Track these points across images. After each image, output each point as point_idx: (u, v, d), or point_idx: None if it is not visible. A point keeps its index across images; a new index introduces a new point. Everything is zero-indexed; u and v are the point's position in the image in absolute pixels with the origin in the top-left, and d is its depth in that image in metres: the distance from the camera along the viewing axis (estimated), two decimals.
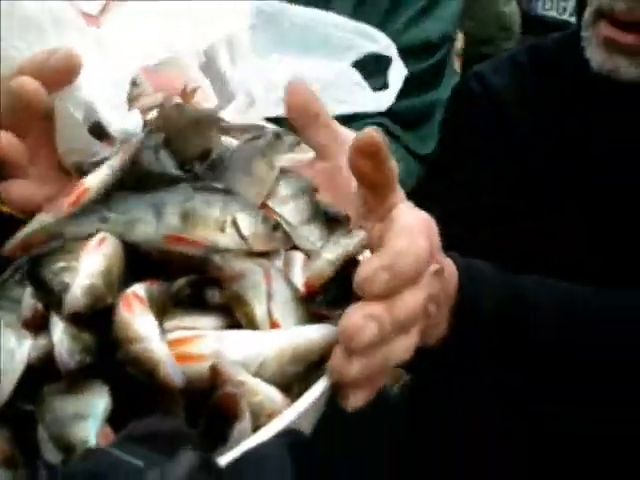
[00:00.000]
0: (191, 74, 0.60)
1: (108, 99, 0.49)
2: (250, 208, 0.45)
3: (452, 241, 0.55)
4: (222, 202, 0.44)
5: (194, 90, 0.58)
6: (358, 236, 0.45)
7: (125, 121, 0.49)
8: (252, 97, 0.62)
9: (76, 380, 0.37)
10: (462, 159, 0.88)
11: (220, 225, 0.44)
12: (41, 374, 0.38)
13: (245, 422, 0.36)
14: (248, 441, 0.36)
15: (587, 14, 0.78)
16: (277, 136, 0.48)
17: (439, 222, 0.49)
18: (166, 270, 0.43)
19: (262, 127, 0.53)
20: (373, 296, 0.40)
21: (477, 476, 0.81)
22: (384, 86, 0.69)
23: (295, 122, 0.53)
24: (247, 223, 0.44)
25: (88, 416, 0.35)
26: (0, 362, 0.36)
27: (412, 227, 0.44)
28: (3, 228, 0.45)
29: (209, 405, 0.37)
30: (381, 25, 0.86)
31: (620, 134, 0.78)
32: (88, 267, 0.39)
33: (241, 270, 0.43)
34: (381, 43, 0.68)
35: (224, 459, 0.34)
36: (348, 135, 0.52)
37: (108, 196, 0.45)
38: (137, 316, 0.37)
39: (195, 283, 0.43)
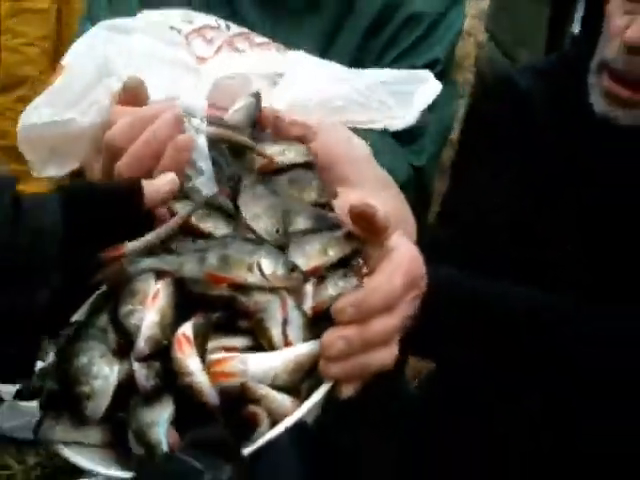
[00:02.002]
0: (254, 87, 0.75)
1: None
2: (274, 254, 0.59)
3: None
4: (251, 249, 0.59)
5: None
6: (352, 282, 0.59)
7: None
8: None
9: (150, 397, 0.54)
10: (481, 149, 1.01)
11: (248, 266, 0.59)
12: (127, 389, 0.55)
13: (264, 427, 0.53)
14: (265, 436, 0.53)
15: (593, 63, 0.89)
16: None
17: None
18: (207, 303, 0.59)
19: None
20: (345, 322, 0.55)
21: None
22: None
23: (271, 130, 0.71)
24: (269, 265, 0.58)
25: (158, 423, 0.53)
26: (97, 386, 0.54)
27: (394, 266, 0.58)
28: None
29: (240, 415, 0.53)
30: (380, 56, 0.99)
31: (615, 164, 0.91)
32: (147, 321, 0.55)
33: (262, 304, 0.58)
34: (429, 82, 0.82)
35: (247, 450, 0.51)
36: (318, 124, 0.70)
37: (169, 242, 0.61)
38: (187, 357, 0.54)
39: (230, 315, 0.59)
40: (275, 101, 0.75)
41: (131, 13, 0.86)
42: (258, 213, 0.62)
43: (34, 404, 0.57)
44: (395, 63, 0.99)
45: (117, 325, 0.57)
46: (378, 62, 1.00)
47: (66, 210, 0.55)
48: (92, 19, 0.94)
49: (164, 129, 0.64)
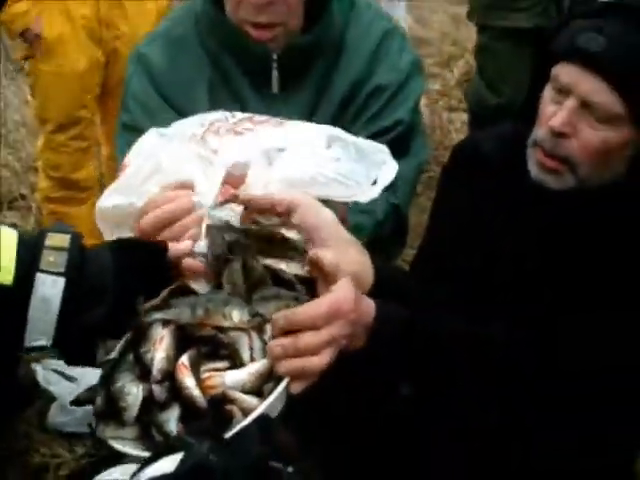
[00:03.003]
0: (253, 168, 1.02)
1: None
2: (241, 306, 0.88)
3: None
4: (226, 303, 0.88)
5: None
6: None
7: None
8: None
9: (164, 405, 0.84)
10: (450, 197, 1.29)
11: (224, 315, 0.88)
12: (148, 400, 0.85)
13: (238, 418, 0.82)
14: (239, 425, 0.82)
15: (530, 140, 1.13)
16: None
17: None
18: (198, 340, 0.89)
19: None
20: (279, 333, 0.85)
21: None
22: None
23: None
24: (237, 314, 0.88)
25: (170, 420, 0.83)
26: (130, 401, 0.83)
27: (324, 299, 0.87)
28: None
29: (221, 413, 0.83)
30: (353, 122, 1.29)
31: (546, 220, 1.15)
32: (158, 357, 0.85)
33: (235, 338, 0.88)
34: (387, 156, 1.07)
35: (228, 435, 0.80)
36: (294, 200, 0.94)
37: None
38: (185, 378, 0.83)
39: (214, 347, 0.88)
40: (272, 179, 1.00)
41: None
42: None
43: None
44: (366, 125, 1.29)
45: (139, 361, 0.87)
46: (351, 127, 1.28)
47: (115, 259, 0.87)
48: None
49: (178, 212, 0.94)
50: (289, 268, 0.92)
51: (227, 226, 0.94)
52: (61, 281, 0.82)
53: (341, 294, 0.89)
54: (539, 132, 1.12)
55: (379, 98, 1.30)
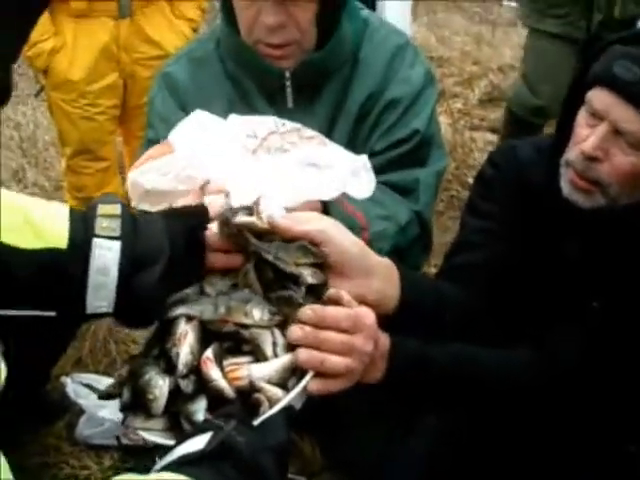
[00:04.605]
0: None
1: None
2: (262, 305, 0.92)
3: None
4: (246, 301, 0.92)
5: None
6: None
7: None
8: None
9: (191, 397, 0.86)
10: (488, 203, 1.33)
11: (245, 313, 0.92)
12: (175, 393, 0.87)
13: (264, 407, 0.85)
14: (266, 414, 0.84)
15: (563, 159, 1.17)
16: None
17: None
18: (221, 336, 0.92)
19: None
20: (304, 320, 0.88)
21: None
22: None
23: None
24: (257, 313, 0.91)
25: (198, 410, 0.85)
26: (157, 393, 0.85)
27: (350, 310, 0.91)
28: None
29: (250, 401, 0.85)
30: (369, 136, 1.35)
31: (579, 238, 1.19)
32: (183, 352, 0.88)
33: (257, 334, 0.91)
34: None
35: (256, 422, 0.83)
36: (320, 231, 0.95)
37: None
38: (210, 370, 0.86)
39: (236, 343, 0.91)
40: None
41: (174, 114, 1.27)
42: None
43: (108, 415, 0.89)
44: (382, 137, 1.36)
45: (164, 355, 0.89)
46: (368, 139, 1.36)
47: (167, 222, 0.90)
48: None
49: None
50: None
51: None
52: (117, 245, 0.84)
53: (364, 309, 0.93)
54: (571, 153, 1.16)
55: (394, 111, 1.36)
